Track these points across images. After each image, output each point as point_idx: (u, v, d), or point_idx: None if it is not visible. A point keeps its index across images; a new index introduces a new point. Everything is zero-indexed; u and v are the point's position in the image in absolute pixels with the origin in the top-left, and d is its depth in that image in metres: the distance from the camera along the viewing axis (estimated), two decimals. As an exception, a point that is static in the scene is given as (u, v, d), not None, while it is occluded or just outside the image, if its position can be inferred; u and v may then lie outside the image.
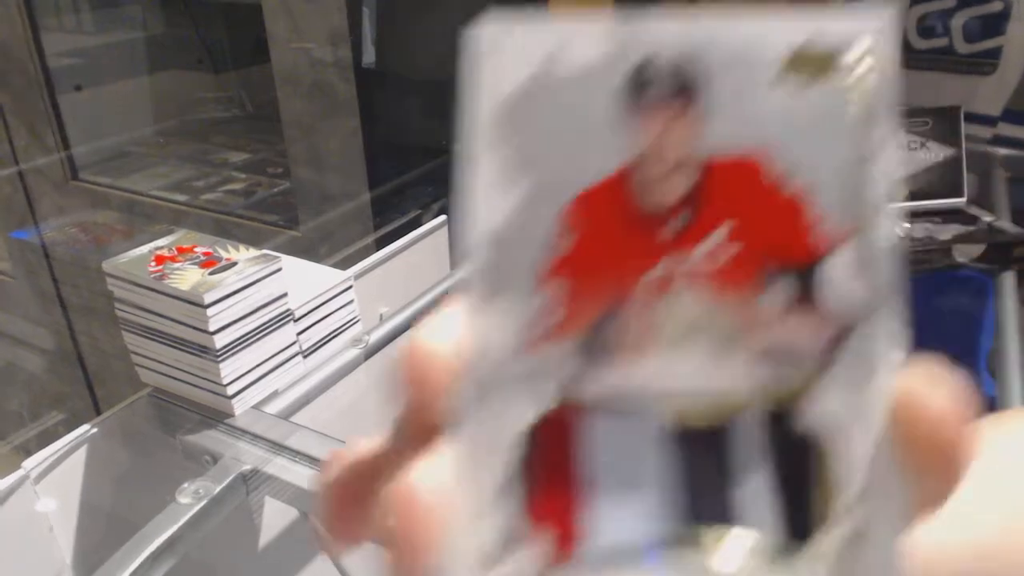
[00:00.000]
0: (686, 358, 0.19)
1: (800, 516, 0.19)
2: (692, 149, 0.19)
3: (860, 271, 0.19)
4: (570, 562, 0.19)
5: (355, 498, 0.21)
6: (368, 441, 0.21)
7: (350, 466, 0.21)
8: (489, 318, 0.19)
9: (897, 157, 0.19)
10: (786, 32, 0.19)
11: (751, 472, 0.19)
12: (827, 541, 0.19)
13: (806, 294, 0.19)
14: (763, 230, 0.19)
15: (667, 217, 0.20)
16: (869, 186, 0.19)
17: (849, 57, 0.19)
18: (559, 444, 0.20)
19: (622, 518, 0.19)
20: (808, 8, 0.19)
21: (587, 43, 0.19)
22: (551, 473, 0.19)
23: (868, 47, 0.19)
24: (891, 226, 0.19)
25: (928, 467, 0.18)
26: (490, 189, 0.20)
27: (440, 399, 0.19)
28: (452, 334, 0.19)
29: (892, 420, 0.18)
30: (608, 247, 0.20)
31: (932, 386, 0.18)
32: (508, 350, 0.19)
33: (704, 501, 0.19)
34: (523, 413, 0.19)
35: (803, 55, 0.19)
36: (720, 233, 0.20)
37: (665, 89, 0.19)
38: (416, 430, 0.19)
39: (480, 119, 0.20)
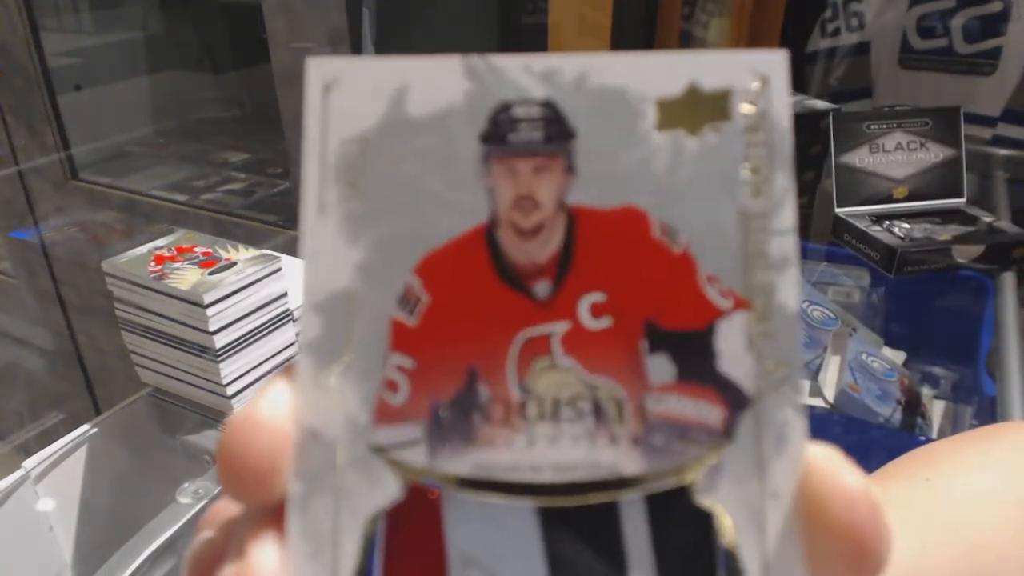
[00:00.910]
0: (561, 434, 0.17)
1: None
2: (563, 202, 0.17)
3: (757, 340, 0.17)
4: None
5: (206, 567, 0.18)
6: (224, 511, 0.19)
7: (202, 543, 0.19)
8: (325, 395, 0.17)
9: (796, 212, 0.17)
10: (661, 77, 0.17)
11: (639, 558, 0.17)
12: None
13: (696, 365, 0.17)
14: (644, 293, 0.17)
15: (536, 278, 0.17)
16: (766, 245, 0.17)
17: (735, 103, 0.17)
18: (416, 531, 0.18)
19: None
20: (692, 52, 0.17)
21: (444, 82, 0.17)
22: (410, 562, 0.18)
23: (758, 92, 0.17)
24: (791, 288, 0.17)
25: (841, 556, 0.16)
26: (331, 244, 0.17)
27: (268, 483, 0.17)
28: (280, 415, 0.17)
29: (803, 499, 0.17)
30: (468, 312, 0.17)
31: (842, 467, 0.17)
32: (346, 431, 0.17)
33: None
34: (368, 498, 0.17)
35: (683, 102, 0.17)
36: (596, 297, 0.17)
37: (532, 134, 0.17)
38: (252, 508, 0.17)
39: (322, 162, 0.17)
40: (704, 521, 0.17)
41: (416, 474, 0.17)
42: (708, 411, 0.17)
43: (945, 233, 1.03)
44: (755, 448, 0.17)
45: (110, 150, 2.18)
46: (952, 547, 0.29)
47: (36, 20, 1.94)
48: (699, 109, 0.17)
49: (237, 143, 2.21)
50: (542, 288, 0.17)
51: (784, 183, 0.17)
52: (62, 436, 0.90)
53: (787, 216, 0.17)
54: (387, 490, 0.17)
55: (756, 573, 0.17)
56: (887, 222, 1.06)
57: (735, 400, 0.17)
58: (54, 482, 0.88)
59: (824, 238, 1.11)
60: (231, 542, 0.17)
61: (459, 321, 0.17)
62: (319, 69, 0.17)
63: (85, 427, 0.91)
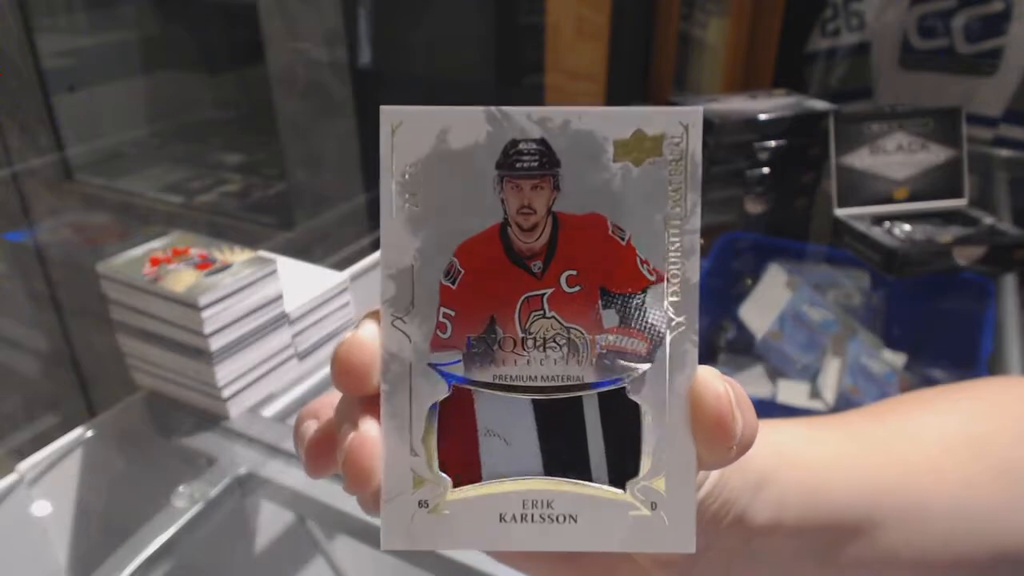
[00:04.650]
0: (547, 357, 0.26)
1: (626, 462, 0.27)
2: (550, 209, 0.26)
3: (671, 300, 0.26)
4: (468, 488, 0.27)
5: (324, 441, 0.28)
6: (331, 401, 0.28)
7: (321, 424, 0.28)
8: (399, 331, 0.26)
9: (699, 218, 0.26)
10: (618, 124, 0.25)
11: (594, 431, 0.27)
12: (642, 479, 0.26)
13: (632, 315, 0.26)
14: (601, 270, 0.26)
15: (532, 259, 0.26)
16: (680, 239, 0.26)
17: (666, 144, 0.25)
18: (458, 414, 0.27)
19: (504, 463, 0.27)
20: (638, 107, 0.25)
21: (472, 125, 0.25)
22: (454, 432, 0.27)
23: (681, 136, 0.25)
24: (694, 268, 0.26)
25: (708, 430, 0.26)
26: (399, 235, 0.26)
27: (366, 381, 0.26)
28: (372, 339, 0.26)
29: (690, 397, 0.26)
30: (489, 281, 0.26)
31: (716, 378, 0.26)
32: (414, 354, 0.26)
33: (561, 451, 0.27)
34: (429, 394, 0.26)
35: (632, 141, 0.25)
36: (571, 272, 0.26)
37: (531, 163, 0.25)
38: (359, 399, 0.27)
39: (392, 181, 0.26)
40: (633, 410, 0.26)
41: (454, 383, 0.26)
42: (638, 344, 0.26)
43: (946, 235, 1.03)
44: (665, 366, 0.26)
45: (104, 151, 2.17)
46: (879, 459, 0.35)
47: (29, 20, 1.93)
48: (642, 147, 0.25)
49: (232, 144, 2.21)
50: (536, 266, 0.26)
51: (695, 199, 0.26)
52: (56, 439, 0.89)
53: (695, 221, 0.26)
54: (440, 390, 0.26)
55: (665, 440, 0.26)
56: (887, 223, 1.06)
57: (654, 337, 0.26)
58: (48, 485, 0.88)
59: (824, 240, 1.10)
60: (341, 423, 0.27)
61: (483, 286, 0.26)
62: (388, 115, 0.25)
63: (80, 430, 0.90)
